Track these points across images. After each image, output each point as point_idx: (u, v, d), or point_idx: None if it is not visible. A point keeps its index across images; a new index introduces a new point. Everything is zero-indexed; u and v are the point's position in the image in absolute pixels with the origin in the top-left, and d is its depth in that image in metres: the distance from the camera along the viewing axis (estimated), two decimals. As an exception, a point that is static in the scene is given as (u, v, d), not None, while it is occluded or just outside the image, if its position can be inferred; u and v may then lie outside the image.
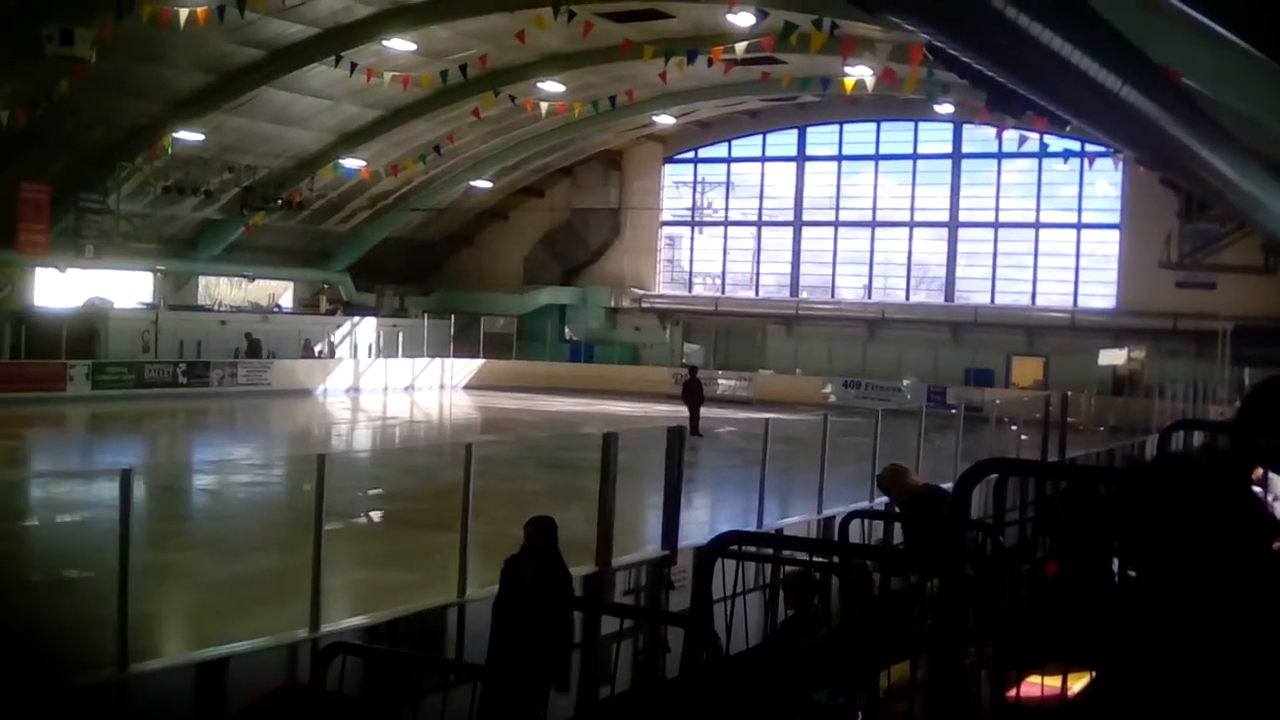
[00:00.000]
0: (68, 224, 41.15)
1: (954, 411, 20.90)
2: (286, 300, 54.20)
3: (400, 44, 35.42)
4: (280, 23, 34.70)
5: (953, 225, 50.57)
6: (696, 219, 56.32)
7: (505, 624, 8.99)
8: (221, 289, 52.31)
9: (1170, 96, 12.64)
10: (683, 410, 33.57)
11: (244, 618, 12.45)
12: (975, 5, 8.74)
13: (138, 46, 33.38)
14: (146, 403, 39.44)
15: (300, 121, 42.72)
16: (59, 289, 42.97)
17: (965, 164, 50.35)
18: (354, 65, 33.93)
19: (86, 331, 41.63)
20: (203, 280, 50.57)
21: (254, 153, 43.93)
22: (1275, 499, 7.98)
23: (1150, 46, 12.59)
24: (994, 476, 7.96)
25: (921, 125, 49.99)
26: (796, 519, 15.12)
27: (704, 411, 34.92)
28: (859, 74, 33.53)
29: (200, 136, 40.55)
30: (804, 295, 53.11)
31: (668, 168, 56.45)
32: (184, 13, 28.60)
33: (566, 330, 56.63)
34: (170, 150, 40.10)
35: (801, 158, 53.55)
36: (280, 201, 45.77)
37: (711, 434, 34.39)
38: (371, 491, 22.43)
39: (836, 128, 52.38)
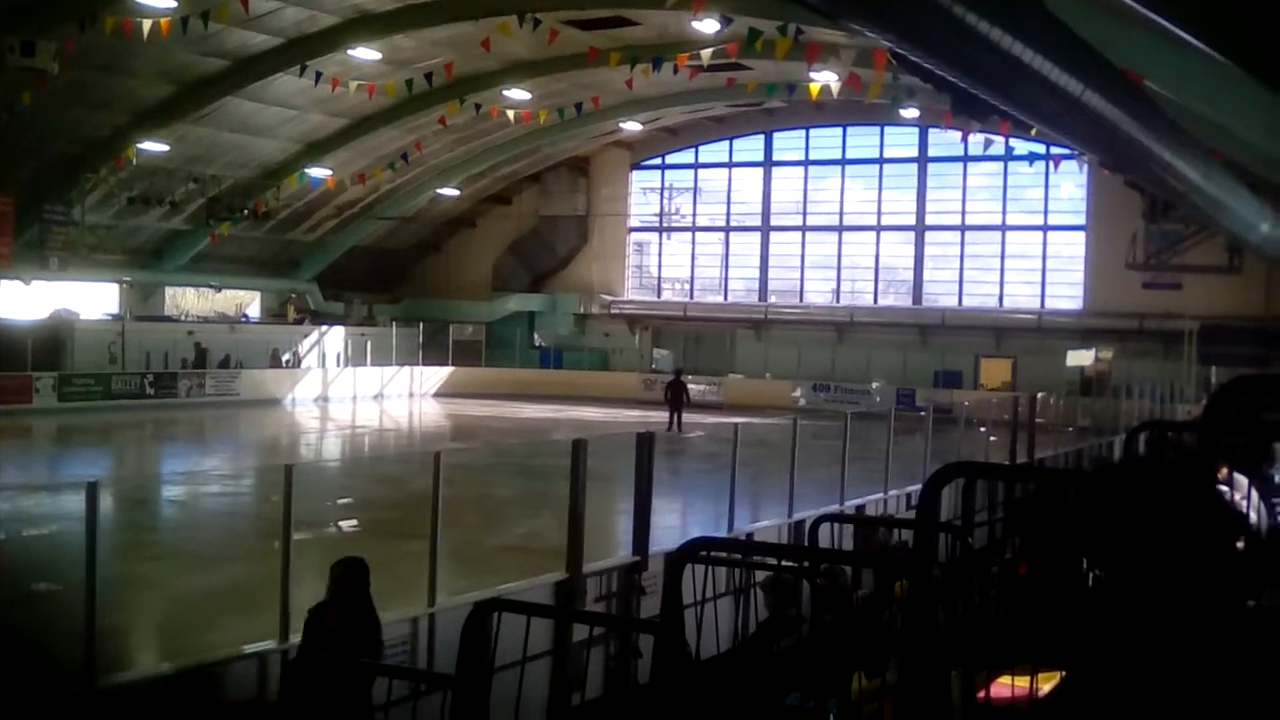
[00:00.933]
0: (32, 236, 40.91)
1: (923, 414, 20.94)
2: (254, 310, 53.98)
3: (365, 53, 35.33)
4: (244, 32, 34.59)
5: (920, 228, 50.77)
6: (664, 225, 56.36)
7: (307, 679, 7.97)
8: (188, 300, 52.04)
9: (1132, 100, 12.71)
10: (654, 415, 34.43)
11: (213, 629, 12.40)
12: (933, 10, 8.77)
13: (101, 57, 33.22)
14: (114, 414, 39.18)
15: (265, 131, 42.59)
16: (24, 301, 42.68)
17: (931, 167, 50.56)
18: (319, 74, 33.84)
19: (52, 343, 41.37)
20: (169, 291, 50.29)
21: (219, 163, 43.75)
22: (1241, 498, 8.04)
23: (1112, 51, 12.66)
24: (963, 479, 8.00)
25: (887, 130, 50.17)
26: (767, 523, 15.13)
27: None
28: (824, 79, 33.61)
29: (165, 147, 40.33)
30: (772, 300, 53.21)
31: (635, 174, 56.48)
32: (147, 24, 28.46)
33: (536, 337, 56.62)
34: (135, 161, 39.90)
35: (768, 163, 53.67)
36: (246, 211, 45.58)
37: (682, 439, 34.51)
38: (340, 501, 22.34)
39: (803, 133, 52.55)
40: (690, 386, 46.79)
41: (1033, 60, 9.85)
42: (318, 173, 44.68)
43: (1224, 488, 8.11)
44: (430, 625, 9.90)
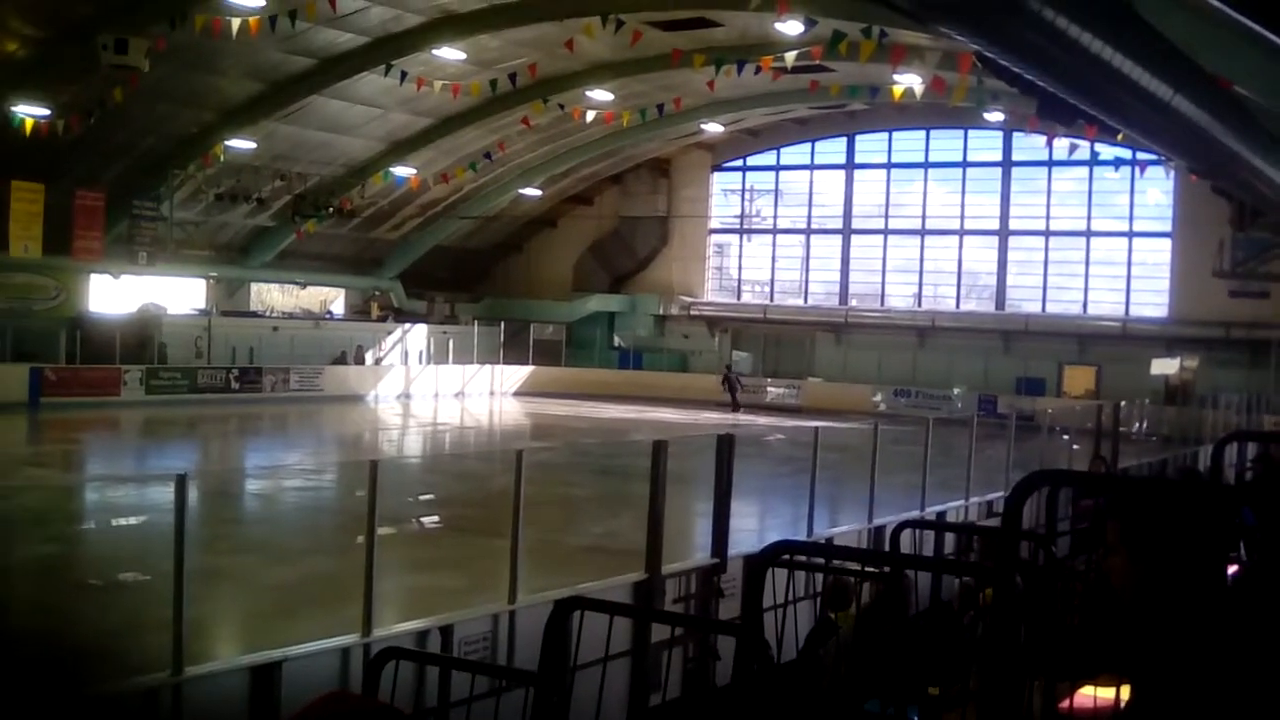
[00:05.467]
0: (121, 231, 41.62)
1: (1005, 421, 20.78)
2: (338, 307, 54.54)
3: (450, 53, 35.61)
4: (331, 32, 34.96)
5: (1003, 233, 50.34)
6: (745, 227, 56.32)
7: None
8: (273, 296, 52.69)
9: (1222, 105, 12.56)
10: (733, 417, 35.95)
11: (297, 621, 12.54)
12: (1022, 14, 8.72)
13: (190, 56, 33.72)
14: (200, 408, 39.81)
15: (351, 130, 43.01)
16: (113, 295, 43.39)
17: (1015, 172, 50.15)
18: (404, 74, 34.14)
19: (140, 337, 42.06)
20: (255, 287, 50.97)
21: (305, 160, 44.25)
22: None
23: (1201, 55, 12.52)
24: (1046, 488, 7.94)
25: (971, 133, 49.84)
26: (846, 528, 15.07)
27: (752, 419, 41.21)
28: (908, 82, 33.41)
29: (252, 144, 40.88)
30: (853, 303, 52.99)
31: (716, 175, 56.46)
32: (236, 22, 28.87)
33: (615, 337, 56.73)
34: (222, 158, 40.52)
35: (850, 165, 53.45)
36: (331, 209, 46.10)
37: (760, 441, 34.43)
38: (423, 497, 22.54)
39: (885, 135, 52.32)
40: (770, 389, 48.10)
41: (1122, 64, 9.77)
42: (402, 171, 45.08)
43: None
44: (511, 622, 9.95)
